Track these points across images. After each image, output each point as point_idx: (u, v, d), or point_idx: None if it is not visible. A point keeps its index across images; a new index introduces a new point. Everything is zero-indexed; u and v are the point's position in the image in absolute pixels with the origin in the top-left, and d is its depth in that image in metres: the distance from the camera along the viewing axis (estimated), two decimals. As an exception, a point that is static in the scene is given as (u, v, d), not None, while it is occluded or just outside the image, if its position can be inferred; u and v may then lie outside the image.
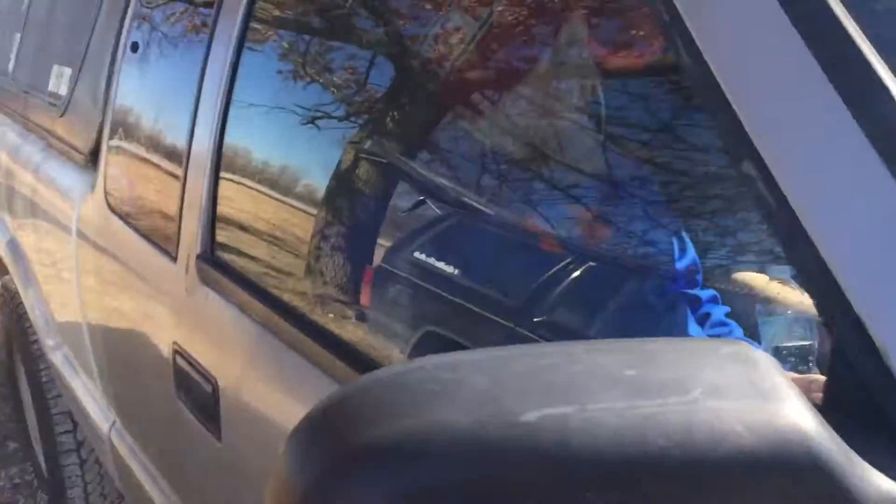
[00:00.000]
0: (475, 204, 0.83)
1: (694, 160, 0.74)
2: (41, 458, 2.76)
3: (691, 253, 0.75)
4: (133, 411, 1.68)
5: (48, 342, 2.28)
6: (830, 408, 0.48)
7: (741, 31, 0.56)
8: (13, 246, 2.47)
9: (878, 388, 0.47)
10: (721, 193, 0.74)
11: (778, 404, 0.40)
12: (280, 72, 1.18)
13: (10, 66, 2.62)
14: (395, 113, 0.96)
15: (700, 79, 0.56)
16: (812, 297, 0.52)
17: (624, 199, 0.77)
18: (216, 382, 1.12)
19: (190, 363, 1.20)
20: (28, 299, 2.37)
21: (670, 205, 0.78)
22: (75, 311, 1.92)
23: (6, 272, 2.68)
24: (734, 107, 0.54)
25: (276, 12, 1.18)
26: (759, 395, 0.40)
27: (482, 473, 0.38)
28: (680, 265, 0.75)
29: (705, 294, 0.77)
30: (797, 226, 0.50)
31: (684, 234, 0.75)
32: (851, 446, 0.41)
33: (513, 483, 0.38)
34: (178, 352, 1.25)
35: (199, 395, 1.18)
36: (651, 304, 0.79)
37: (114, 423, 1.84)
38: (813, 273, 0.50)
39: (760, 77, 0.54)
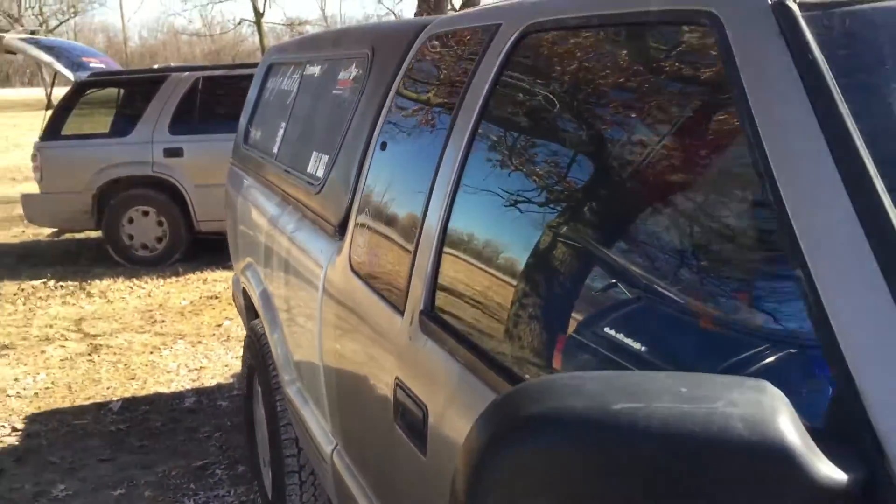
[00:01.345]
0: (658, 288, 1.09)
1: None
2: (267, 480, 3.24)
3: None
4: (354, 436, 2.06)
5: (285, 377, 2.75)
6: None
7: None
8: (265, 295, 2.99)
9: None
10: None
11: (771, 415, 0.67)
12: (498, 166, 1.53)
13: (275, 149, 3.20)
14: (590, 204, 1.27)
15: None
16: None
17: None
18: (426, 408, 1.46)
19: (407, 394, 1.56)
20: (272, 340, 2.87)
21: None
22: (313, 352, 2.35)
23: (256, 317, 3.23)
24: None
25: (506, 117, 1.53)
26: (761, 409, 0.67)
27: (587, 435, 0.68)
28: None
29: None
30: None
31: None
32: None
33: (602, 443, 0.68)
34: (399, 385, 1.60)
35: (412, 419, 1.53)
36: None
37: (336, 446, 2.23)
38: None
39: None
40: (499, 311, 1.39)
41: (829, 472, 0.66)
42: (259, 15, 29.73)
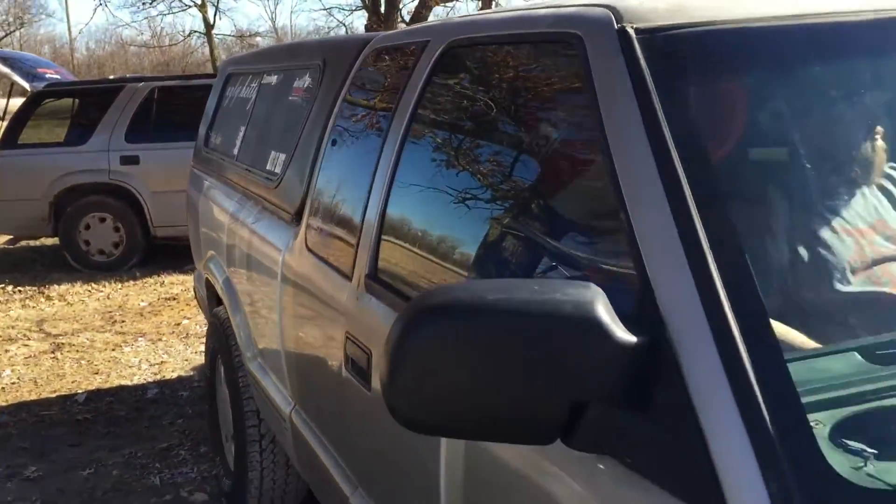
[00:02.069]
0: (538, 240, 1.45)
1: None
2: (229, 455, 3.53)
3: None
4: (310, 393, 2.39)
5: (247, 354, 3.06)
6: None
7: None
8: (228, 283, 3.31)
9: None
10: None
11: (590, 300, 1.02)
12: (431, 161, 1.88)
13: (235, 151, 3.52)
14: (492, 190, 1.63)
15: None
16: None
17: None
18: (370, 352, 1.80)
19: (355, 344, 1.90)
20: (235, 322, 3.18)
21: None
22: (273, 326, 2.67)
23: (219, 304, 3.54)
24: None
25: (431, 118, 1.89)
26: (584, 297, 1.03)
27: (471, 315, 1.04)
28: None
29: None
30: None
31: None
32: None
33: (481, 320, 1.03)
34: (348, 338, 1.94)
35: (359, 363, 1.87)
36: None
37: (294, 406, 2.56)
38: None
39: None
40: (427, 272, 1.74)
41: (625, 336, 1.02)
42: (209, 27, 29.76)
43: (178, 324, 6.16)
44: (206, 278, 3.70)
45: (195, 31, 30.23)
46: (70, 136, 8.01)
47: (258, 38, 35.17)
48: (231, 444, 3.47)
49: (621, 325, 1.02)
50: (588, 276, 1.22)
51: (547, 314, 1.01)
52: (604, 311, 1.02)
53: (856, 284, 1.60)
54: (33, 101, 8.06)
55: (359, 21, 22.13)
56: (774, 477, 0.89)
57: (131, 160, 7.71)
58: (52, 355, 5.52)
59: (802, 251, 1.57)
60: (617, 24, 1.32)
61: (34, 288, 7.21)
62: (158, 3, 25.76)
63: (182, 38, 30.78)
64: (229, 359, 3.29)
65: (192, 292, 4.77)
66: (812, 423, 1.01)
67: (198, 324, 5.98)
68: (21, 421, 4.48)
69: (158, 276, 7.52)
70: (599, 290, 1.05)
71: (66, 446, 4.16)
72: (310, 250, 2.31)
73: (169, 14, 22.70)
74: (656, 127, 1.17)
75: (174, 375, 5.14)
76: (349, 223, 2.07)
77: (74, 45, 38.71)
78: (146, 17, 28.32)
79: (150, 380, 5.08)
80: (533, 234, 1.42)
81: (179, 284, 7.21)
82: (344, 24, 23.17)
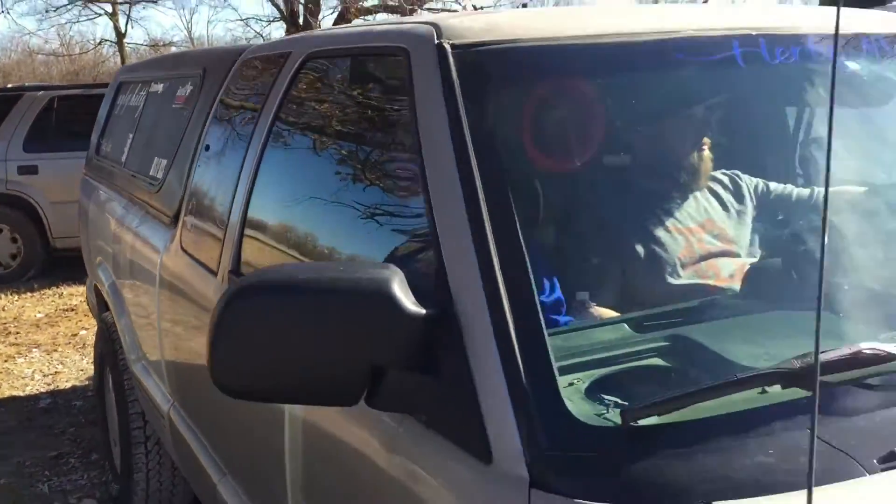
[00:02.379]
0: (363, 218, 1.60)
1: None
2: (117, 459, 3.57)
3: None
4: (185, 388, 2.48)
5: (132, 356, 3.12)
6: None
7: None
8: (114, 287, 3.36)
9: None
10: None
11: (387, 278, 1.17)
12: (288, 163, 2.02)
13: (124, 157, 3.58)
14: (335, 190, 1.77)
15: None
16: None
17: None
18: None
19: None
20: (120, 325, 3.24)
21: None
22: (153, 329, 2.75)
23: (106, 309, 3.58)
24: None
25: (290, 124, 2.03)
26: (382, 275, 1.18)
27: (283, 291, 1.18)
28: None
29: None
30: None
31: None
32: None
33: (292, 295, 1.17)
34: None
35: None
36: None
37: (172, 403, 2.64)
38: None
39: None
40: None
41: (415, 308, 1.17)
42: (120, 35, 29.12)
43: (76, 335, 6.10)
44: (95, 284, 3.74)
45: (106, 40, 29.46)
46: (-35, 146, 7.82)
47: (173, 48, 34.54)
48: (118, 449, 3.51)
49: (413, 299, 1.18)
50: (398, 261, 1.37)
51: (349, 290, 1.16)
52: (398, 288, 1.17)
53: (685, 277, 1.81)
54: (-74, 109, 7.84)
55: (277, 32, 22.01)
56: (525, 423, 1.06)
57: (29, 170, 7.57)
58: (-59, 367, 5.41)
59: (639, 248, 1.76)
60: (437, 39, 1.48)
61: (-76, 300, 7.01)
62: (66, 12, 25.07)
63: (92, 46, 29.96)
64: (115, 362, 3.34)
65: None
66: (572, 381, 1.19)
67: (93, 334, 5.93)
68: None
69: (57, 287, 7.40)
70: (397, 270, 1.21)
71: (-49, 456, 4.11)
72: (184, 250, 2.41)
73: (77, 22, 21.99)
74: (459, 132, 1.33)
75: (68, 385, 5.10)
76: (216, 223, 2.19)
77: (-23, 52, 37.35)
78: (54, 26, 27.45)
79: (42, 390, 5.03)
80: (362, 225, 1.57)
81: (79, 296, 7.11)
82: (261, 35, 23.00)
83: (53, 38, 31.06)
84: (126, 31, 28.95)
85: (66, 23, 30.33)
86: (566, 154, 1.56)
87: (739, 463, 0.96)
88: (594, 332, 1.35)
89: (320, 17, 15.04)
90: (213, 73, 2.76)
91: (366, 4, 15.50)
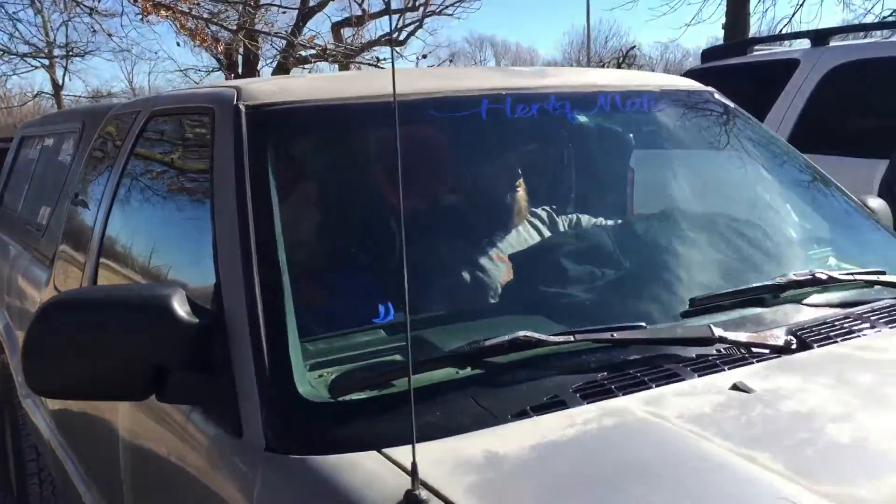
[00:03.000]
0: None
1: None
2: (14, 486, 3.75)
3: None
4: (59, 413, 2.72)
5: (22, 392, 3.33)
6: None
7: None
8: (7, 328, 3.57)
9: None
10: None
11: (168, 295, 1.46)
12: (131, 206, 2.30)
13: (20, 207, 3.82)
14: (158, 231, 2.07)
15: None
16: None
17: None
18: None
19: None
20: (12, 364, 3.45)
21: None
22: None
23: (2, 351, 3.78)
24: None
25: (135, 173, 2.32)
26: (165, 293, 1.47)
27: (78, 308, 1.46)
28: None
29: None
30: None
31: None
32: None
33: (87, 311, 1.46)
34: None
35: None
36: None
37: (52, 430, 2.87)
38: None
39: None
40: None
41: (190, 319, 1.46)
42: (57, 87, 29.07)
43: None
44: (-6, 327, 3.94)
45: (43, 92, 29.36)
46: None
47: (114, 99, 34.44)
48: (15, 483, 3.70)
49: (189, 311, 1.47)
50: (193, 281, 1.67)
51: (136, 306, 1.45)
52: (176, 303, 1.47)
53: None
54: None
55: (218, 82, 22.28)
56: (265, 405, 1.36)
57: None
58: None
59: (465, 274, 2.07)
60: (235, 100, 1.80)
61: None
62: (2, 64, 24.98)
63: (30, 98, 29.74)
64: (10, 400, 3.54)
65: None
66: (322, 374, 1.48)
67: None
68: None
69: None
70: (178, 288, 1.50)
71: None
72: (55, 288, 2.67)
73: (14, 75, 21.83)
74: (241, 177, 1.64)
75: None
76: (77, 262, 2.46)
77: None
78: (-10, 78, 27.22)
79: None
80: (174, 253, 1.87)
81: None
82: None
83: (-14, 91, 30.71)
84: (63, 82, 28.93)
85: (1, 75, 29.95)
86: (340, 193, 1.88)
87: (409, 421, 1.27)
88: (356, 336, 1.64)
89: (259, 66, 15.32)
90: (89, 127, 3.04)
91: (304, 54, 15.88)
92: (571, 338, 1.43)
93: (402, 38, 16.70)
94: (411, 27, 16.65)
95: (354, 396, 1.36)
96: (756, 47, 6.16)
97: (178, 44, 19.57)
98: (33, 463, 3.43)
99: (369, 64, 13.20)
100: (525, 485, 1.12)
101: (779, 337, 1.50)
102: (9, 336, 3.56)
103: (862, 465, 1.11)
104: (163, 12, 6.91)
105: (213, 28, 8.46)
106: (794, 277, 1.68)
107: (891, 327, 1.59)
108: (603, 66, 29.01)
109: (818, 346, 1.49)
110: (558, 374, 1.39)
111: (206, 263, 1.72)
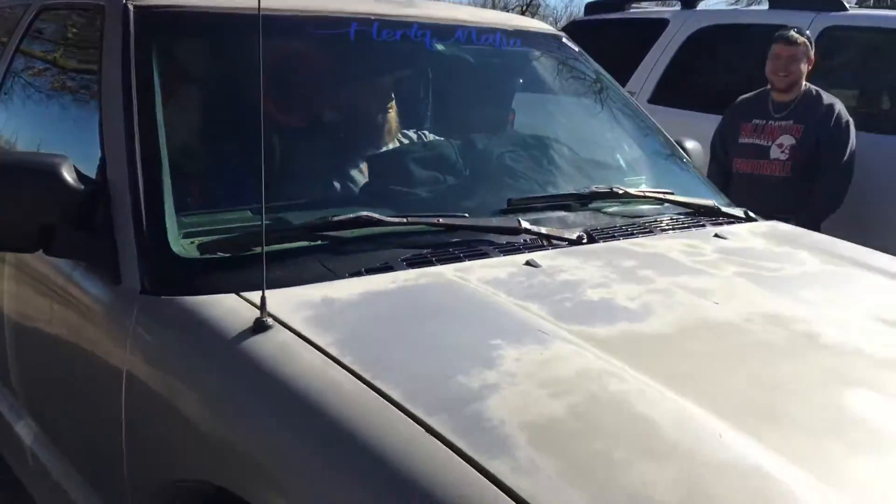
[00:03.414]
0: None
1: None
2: None
3: None
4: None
5: None
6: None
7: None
8: None
9: None
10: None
11: (56, 159, 1.68)
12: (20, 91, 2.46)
13: None
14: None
15: None
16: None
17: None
18: None
19: None
20: None
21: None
22: None
23: None
24: None
25: (23, 63, 2.47)
26: (53, 159, 1.69)
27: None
28: None
29: None
30: None
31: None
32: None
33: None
34: None
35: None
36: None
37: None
38: None
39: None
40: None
41: (77, 184, 1.69)
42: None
43: None
44: None
45: None
46: None
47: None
48: None
49: (76, 178, 1.69)
50: (80, 156, 1.88)
51: (27, 168, 1.67)
52: (65, 170, 1.68)
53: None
54: None
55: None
56: (142, 258, 1.61)
57: None
58: None
59: (336, 183, 2.31)
60: (125, 1, 2.00)
61: None
62: None
63: None
64: None
65: None
66: (192, 240, 1.72)
67: None
68: None
69: None
70: (67, 158, 1.72)
71: None
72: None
73: None
74: (127, 67, 1.86)
75: None
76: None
77: None
78: None
79: None
80: (65, 132, 2.08)
81: None
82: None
83: None
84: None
85: None
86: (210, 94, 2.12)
87: (260, 274, 1.54)
88: (227, 214, 1.89)
89: None
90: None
91: None
92: (405, 220, 1.74)
93: None
94: None
95: (219, 255, 1.64)
96: (633, 5, 6.58)
97: None
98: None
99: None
100: (349, 317, 1.43)
101: (574, 233, 1.86)
102: None
103: (603, 316, 1.47)
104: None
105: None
106: (596, 190, 2.05)
107: (663, 231, 1.98)
108: (507, 9, 29.52)
109: (602, 241, 1.86)
110: (392, 249, 1.70)
111: (93, 141, 1.93)
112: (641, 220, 2.02)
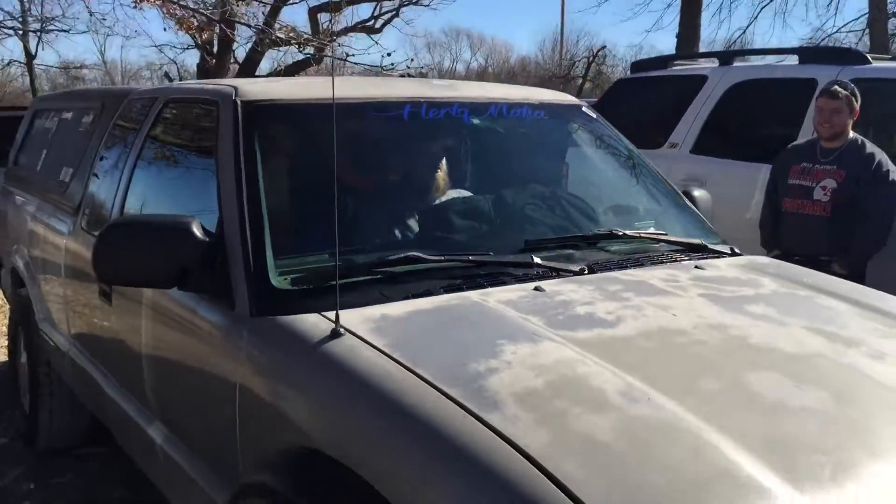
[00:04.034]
0: None
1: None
2: (25, 404, 4.54)
3: None
4: (79, 327, 3.54)
5: (40, 317, 4.14)
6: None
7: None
8: (27, 265, 4.37)
9: None
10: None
11: (187, 219, 2.30)
12: (148, 171, 3.13)
13: (39, 167, 4.61)
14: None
15: None
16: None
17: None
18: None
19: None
20: (32, 294, 4.25)
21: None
22: (58, 286, 3.79)
23: (21, 286, 4.57)
24: None
25: (153, 147, 3.15)
26: (185, 219, 2.31)
27: (127, 227, 2.31)
28: None
29: None
30: None
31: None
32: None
33: (134, 227, 2.31)
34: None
35: (104, 289, 3.06)
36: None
37: (73, 343, 3.69)
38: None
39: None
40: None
41: (203, 237, 2.30)
42: (30, 57, 29.32)
43: (-14, 326, 6.95)
44: (12, 266, 4.73)
45: (15, 61, 29.59)
46: None
47: (84, 71, 34.60)
48: (27, 397, 4.49)
49: (202, 232, 2.31)
50: (203, 217, 2.50)
51: (170, 226, 2.29)
52: (195, 227, 2.30)
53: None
54: None
55: (191, 59, 22.59)
56: (251, 290, 2.20)
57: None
58: None
59: (396, 231, 2.90)
60: (234, 97, 2.64)
61: None
62: (-30, 31, 25.18)
63: (0, 66, 29.98)
64: (27, 324, 4.34)
65: (2, 302, 5.65)
66: (286, 277, 2.31)
67: (4, 327, 6.79)
68: None
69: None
70: (196, 218, 2.34)
71: None
72: (83, 228, 3.49)
73: None
74: (238, 149, 2.49)
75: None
76: (104, 208, 3.28)
77: None
78: (-43, 45, 27.12)
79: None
80: (190, 201, 2.71)
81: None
82: (175, 62, 23.60)
83: (-44, 56, 30.56)
84: (36, 53, 29.21)
85: (-32, 40, 29.88)
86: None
87: (335, 299, 2.10)
88: (311, 257, 2.47)
89: (234, 46, 15.69)
90: (109, 106, 3.84)
91: (281, 36, 16.29)
92: (443, 258, 2.30)
93: (377, 26, 17.16)
94: (387, 16, 17.03)
95: (305, 287, 2.22)
96: (675, 62, 7.10)
97: (165, 28, 19.92)
98: (46, 375, 4.23)
99: (340, 59, 13.90)
100: (398, 328, 1.98)
101: (577, 266, 2.39)
102: (28, 272, 4.37)
103: (584, 324, 1.99)
104: (154, 0, 7.69)
105: (198, 18, 9.19)
106: (598, 232, 2.58)
107: (654, 265, 2.49)
108: (574, 64, 30.18)
109: (599, 272, 2.38)
110: (433, 280, 2.25)
111: (213, 205, 2.56)
112: (636, 256, 2.54)
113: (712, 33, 55.65)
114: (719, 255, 2.71)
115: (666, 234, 2.69)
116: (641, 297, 2.18)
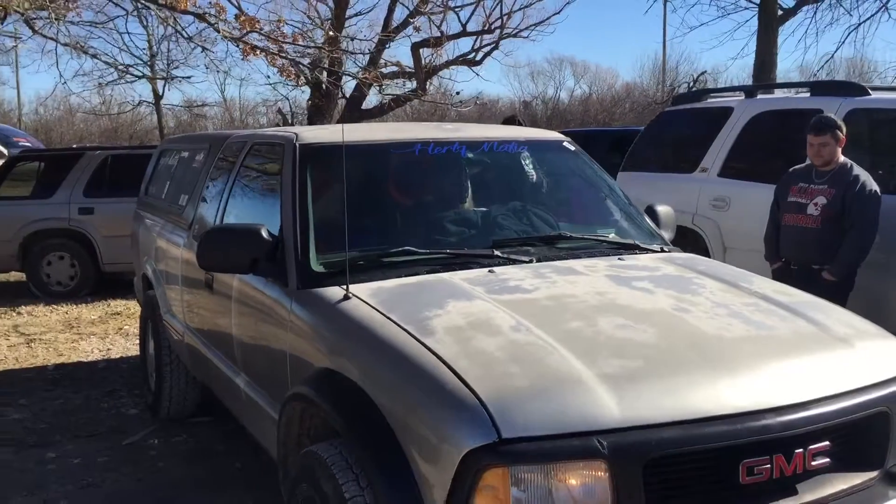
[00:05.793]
0: None
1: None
2: (151, 382, 5.77)
3: None
4: (192, 315, 4.71)
5: (163, 310, 5.35)
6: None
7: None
8: (155, 272, 5.62)
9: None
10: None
11: (258, 226, 3.38)
12: (240, 194, 4.27)
13: (164, 195, 5.88)
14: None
15: None
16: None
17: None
18: (213, 275, 4.14)
19: (210, 274, 4.22)
20: (158, 293, 5.48)
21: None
22: (177, 286, 4.98)
23: (150, 288, 5.82)
24: None
25: (243, 178, 4.29)
26: (256, 226, 3.40)
27: (217, 232, 3.42)
28: None
29: None
30: None
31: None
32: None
33: (224, 233, 3.42)
34: (207, 274, 4.27)
35: (208, 280, 4.20)
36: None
37: (186, 327, 4.85)
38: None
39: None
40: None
41: (268, 237, 3.38)
42: (158, 97, 31.88)
43: (121, 328, 8.35)
44: (143, 273, 6.00)
45: (144, 101, 32.20)
46: (36, 192, 10.20)
47: (206, 108, 37.22)
48: (153, 377, 5.72)
49: (269, 234, 3.39)
50: (270, 225, 3.58)
51: (245, 230, 3.39)
52: (264, 231, 3.39)
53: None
54: (9, 164, 10.28)
55: (302, 96, 24.18)
56: (298, 272, 3.26)
57: (87, 210, 9.94)
58: (28, 346, 7.67)
59: (437, 237, 3.94)
60: (295, 141, 3.74)
61: (4, 308, 9.28)
62: (108, 75, 27.73)
63: (131, 107, 32.69)
64: (154, 318, 5.58)
65: (134, 309, 6.94)
66: (323, 263, 3.36)
67: (134, 329, 8.16)
68: (7, 380, 6.62)
69: (105, 300, 9.69)
70: (264, 225, 3.42)
71: (43, 391, 6.33)
72: (193, 238, 4.66)
73: (116, 83, 23.79)
74: (296, 179, 3.57)
75: (118, 356, 7.34)
76: (208, 221, 4.44)
77: (23, 109, 40.59)
78: (94, 89, 29.85)
79: (100, 358, 7.27)
80: (264, 216, 3.81)
81: (122, 305, 9.39)
82: (287, 98, 25.37)
83: (93, 96, 33.30)
84: (163, 93, 31.81)
85: (107, 84, 32.62)
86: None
87: (346, 276, 3.12)
88: (338, 252, 3.51)
89: (343, 82, 16.46)
90: (214, 147, 5.04)
91: (384, 71, 16.99)
92: (428, 251, 3.30)
93: (478, 58, 17.95)
94: (487, 48, 17.59)
95: (333, 270, 3.26)
96: (710, 96, 7.88)
97: (268, 76, 21.13)
98: (167, 356, 5.44)
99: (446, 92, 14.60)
100: (388, 294, 2.99)
101: (528, 258, 3.34)
102: (155, 277, 5.61)
103: (511, 291, 2.94)
104: (259, 52, 9.02)
105: (296, 68, 10.53)
106: (549, 234, 3.52)
107: (587, 258, 3.41)
108: (674, 90, 30.50)
109: (544, 261, 3.32)
110: (420, 266, 3.26)
111: (276, 216, 3.64)
112: (576, 251, 3.47)
113: (799, 58, 55.33)
114: (648, 251, 3.60)
115: (607, 237, 3.61)
116: (561, 276, 3.12)
